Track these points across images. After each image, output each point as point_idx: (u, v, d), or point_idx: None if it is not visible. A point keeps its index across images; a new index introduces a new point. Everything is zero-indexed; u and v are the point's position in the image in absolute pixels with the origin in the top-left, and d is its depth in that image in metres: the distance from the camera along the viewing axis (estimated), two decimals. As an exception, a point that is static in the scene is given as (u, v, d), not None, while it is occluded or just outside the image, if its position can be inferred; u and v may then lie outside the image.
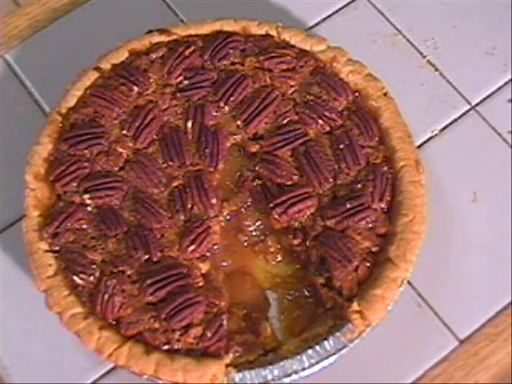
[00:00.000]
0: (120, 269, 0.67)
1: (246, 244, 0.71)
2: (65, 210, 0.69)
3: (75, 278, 0.67)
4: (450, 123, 0.79)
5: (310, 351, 0.66)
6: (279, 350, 0.67)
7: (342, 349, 0.66)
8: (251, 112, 0.73)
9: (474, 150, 0.78)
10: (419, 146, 0.78)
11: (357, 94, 0.75)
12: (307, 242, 0.69)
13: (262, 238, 0.71)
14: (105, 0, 0.85)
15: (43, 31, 0.83)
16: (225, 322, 0.66)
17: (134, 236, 0.68)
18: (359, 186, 0.71)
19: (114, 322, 0.66)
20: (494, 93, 0.81)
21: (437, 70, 0.82)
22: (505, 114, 0.80)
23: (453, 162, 0.78)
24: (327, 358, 0.65)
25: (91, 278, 0.67)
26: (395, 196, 0.71)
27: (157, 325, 0.65)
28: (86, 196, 0.70)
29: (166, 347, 0.65)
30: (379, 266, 0.68)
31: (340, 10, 0.84)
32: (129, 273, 0.67)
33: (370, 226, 0.69)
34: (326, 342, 0.66)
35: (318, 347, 0.66)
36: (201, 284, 0.67)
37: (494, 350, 0.71)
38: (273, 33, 0.77)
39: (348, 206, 0.70)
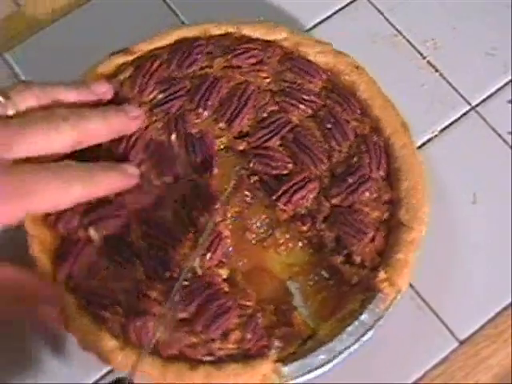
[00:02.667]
0: (145, 293, 0.66)
1: (254, 242, 0.71)
2: (73, 249, 0.67)
3: (102, 312, 0.65)
4: (450, 124, 0.79)
5: (349, 329, 0.65)
6: (316, 335, 0.67)
7: (378, 320, 0.66)
8: (231, 112, 0.73)
9: (474, 150, 0.78)
10: (419, 147, 0.77)
11: (329, 73, 0.75)
12: (317, 225, 0.69)
13: (270, 232, 0.71)
14: (105, 1, 0.85)
15: (44, 31, 0.83)
16: (260, 320, 0.66)
17: (149, 258, 0.67)
18: (355, 159, 0.71)
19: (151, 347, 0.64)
20: (494, 93, 0.80)
21: (437, 70, 0.81)
22: (505, 115, 0.80)
23: (453, 162, 0.77)
24: (366, 332, 0.66)
25: (119, 308, 0.65)
26: (391, 163, 0.72)
27: (195, 339, 0.64)
28: (91, 229, 0.68)
29: (208, 358, 0.64)
30: (394, 232, 0.69)
31: (340, 10, 0.84)
32: (154, 295, 0.66)
33: (375, 195, 0.70)
34: (362, 317, 0.66)
35: (356, 323, 0.66)
36: (226, 289, 0.67)
37: (495, 350, 0.70)
38: (233, 30, 0.77)
39: (350, 180, 0.70)
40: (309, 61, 0.75)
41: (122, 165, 0.68)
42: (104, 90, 0.70)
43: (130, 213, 0.69)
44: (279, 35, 0.76)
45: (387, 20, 0.84)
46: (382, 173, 0.71)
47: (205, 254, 0.68)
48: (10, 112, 0.64)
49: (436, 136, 0.79)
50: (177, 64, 0.74)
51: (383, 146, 0.72)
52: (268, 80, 0.74)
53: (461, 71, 0.81)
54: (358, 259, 0.68)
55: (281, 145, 0.72)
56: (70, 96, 0.67)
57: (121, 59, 0.75)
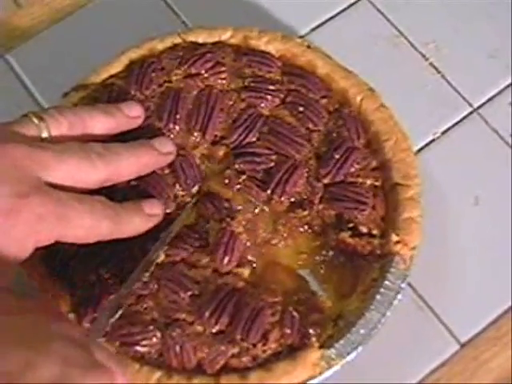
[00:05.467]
0: (173, 317, 0.65)
1: (262, 243, 0.70)
2: (90, 295, 0.66)
3: (138, 348, 0.64)
4: (452, 126, 0.79)
5: (377, 297, 0.66)
6: (344, 314, 0.67)
7: (403, 281, 0.66)
8: (202, 120, 0.72)
9: (476, 152, 0.78)
10: (421, 149, 0.77)
11: (284, 58, 0.75)
12: (315, 208, 0.70)
13: (274, 228, 0.70)
14: (107, 1, 0.84)
15: (45, 32, 0.83)
16: (294, 313, 0.65)
17: (166, 281, 0.66)
18: (334, 135, 0.72)
19: (196, 368, 0.64)
20: (496, 95, 0.80)
21: (439, 72, 0.81)
22: (507, 117, 0.79)
23: (454, 164, 0.77)
24: (396, 296, 0.66)
25: (154, 339, 0.64)
26: (368, 128, 0.72)
27: (237, 348, 0.64)
28: (103, 271, 0.67)
29: (255, 363, 0.64)
30: (391, 195, 0.70)
31: (341, 12, 0.84)
32: (183, 317, 0.65)
33: (364, 164, 0.71)
34: (386, 282, 0.66)
35: (382, 290, 0.66)
36: (251, 291, 0.66)
37: (496, 353, 0.70)
38: (178, 41, 0.76)
39: (336, 156, 0.71)
40: (262, 51, 0.75)
41: (144, 207, 0.67)
42: (138, 114, 0.70)
43: (134, 244, 0.67)
44: (224, 34, 0.76)
45: (389, 21, 0.84)
46: (362, 141, 0.72)
47: (223, 258, 0.67)
48: (44, 135, 0.64)
49: (438, 138, 0.78)
50: (135, 88, 0.73)
51: (357, 114, 0.73)
52: (229, 80, 0.74)
53: (463, 73, 0.81)
54: (364, 229, 0.69)
55: (259, 139, 0.72)
56: (103, 121, 0.67)
57: (75, 97, 0.74)
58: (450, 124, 0.79)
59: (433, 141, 0.78)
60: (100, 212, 0.63)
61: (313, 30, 0.83)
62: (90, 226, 0.63)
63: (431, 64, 0.82)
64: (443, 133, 0.79)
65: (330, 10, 0.84)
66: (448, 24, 0.84)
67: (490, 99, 0.80)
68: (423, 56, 0.82)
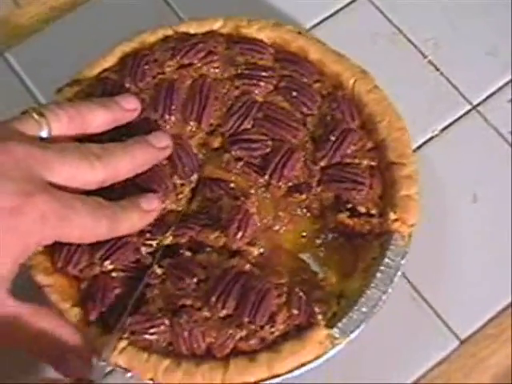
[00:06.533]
0: (180, 304, 0.65)
1: (264, 228, 0.69)
2: (96, 287, 0.66)
3: (147, 336, 0.64)
4: (451, 123, 0.79)
5: (378, 275, 0.66)
6: (346, 293, 0.67)
7: (403, 257, 0.66)
8: (197, 109, 0.72)
9: (475, 150, 0.78)
10: (419, 147, 0.77)
11: (275, 45, 0.76)
12: (313, 191, 0.70)
13: (274, 214, 0.70)
14: (105, -1, 0.85)
15: (44, 30, 0.83)
16: (301, 293, 0.65)
17: (172, 269, 0.66)
18: (329, 118, 0.72)
19: (205, 353, 0.64)
20: (495, 93, 0.80)
21: (437, 69, 0.81)
22: (506, 114, 0.79)
23: (453, 162, 0.77)
24: (396, 273, 0.66)
25: (162, 327, 0.64)
26: (363, 110, 0.73)
27: (244, 332, 0.64)
28: (107, 263, 0.66)
29: (263, 345, 0.64)
30: (388, 174, 0.70)
31: (340, 10, 0.84)
32: (190, 303, 0.65)
33: (359, 145, 0.71)
34: (386, 260, 0.66)
35: (382, 268, 0.66)
36: (257, 273, 0.66)
37: (495, 350, 0.70)
38: (170, 32, 0.76)
39: (332, 138, 0.71)
40: (254, 39, 0.76)
41: (142, 203, 0.67)
42: (134, 107, 0.70)
43: (134, 236, 0.67)
44: (215, 24, 0.77)
45: (388, 19, 0.84)
46: (357, 122, 0.72)
47: (236, 233, 0.67)
48: (44, 130, 0.64)
49: (437, 135, 0.78)
50: (129, 81, 0.73)
51: (350, 97, 0.73)
52: (222, 68, 0.74)
53: (462, 70, 0.81)
54: (362, 209, 0.69)
55: (254, 125, 0.72)
56: (101, 115, 0.67)
57: (70, 92, 0.73)
58: (449, 121, 0.79)
59: (432, 138, 0.78)
60: (99, 212, 0.63)
61: (312, 27, 0.83)
62: (89, 227, 0.63)
63: (430, 61, 0.82)
64: (442, 130, 0.79)
65: (330, 8, 0.84)
66: (447, 21, 0.84)
67: (489, 96, 0.80)
68: (422, 53, 0.82)
